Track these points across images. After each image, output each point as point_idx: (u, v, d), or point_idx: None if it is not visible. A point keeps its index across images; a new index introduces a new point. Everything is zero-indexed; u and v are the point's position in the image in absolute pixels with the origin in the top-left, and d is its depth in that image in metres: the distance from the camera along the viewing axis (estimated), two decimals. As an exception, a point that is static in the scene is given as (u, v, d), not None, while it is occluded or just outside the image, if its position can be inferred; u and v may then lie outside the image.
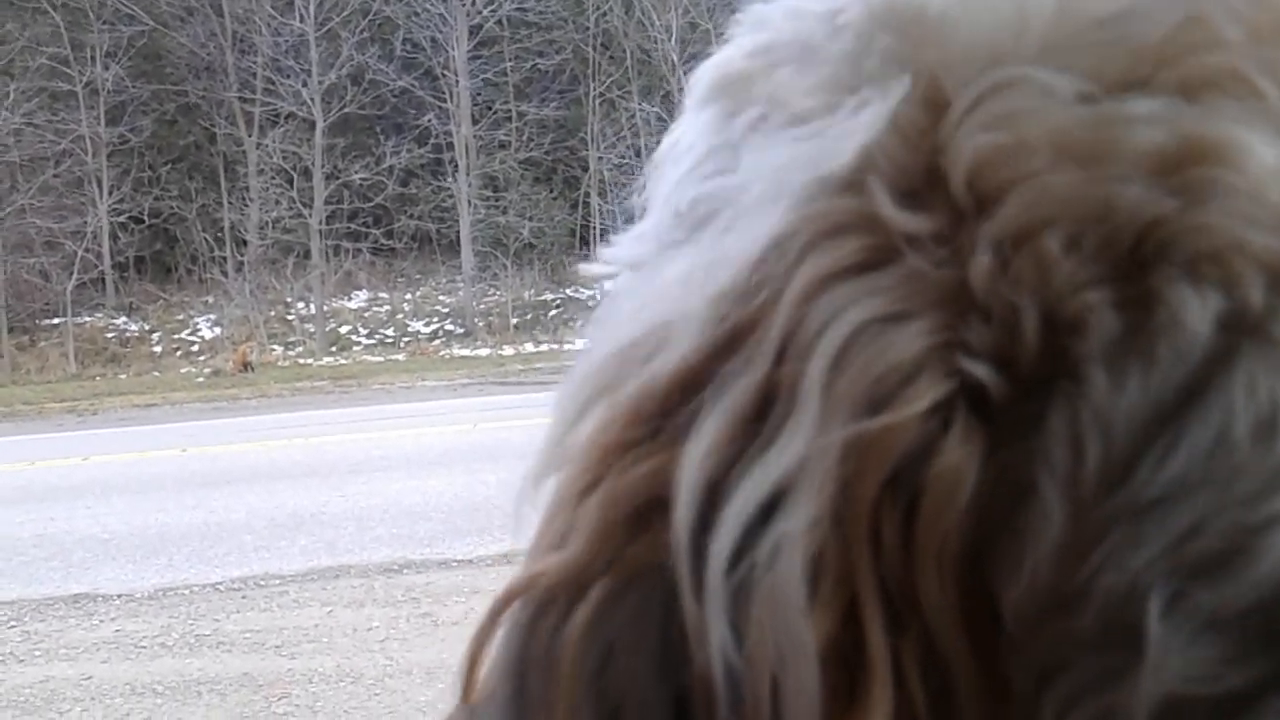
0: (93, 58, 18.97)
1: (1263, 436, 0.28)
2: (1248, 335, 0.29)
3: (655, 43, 21.67)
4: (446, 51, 21.52)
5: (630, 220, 0.46)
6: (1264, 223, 0.30)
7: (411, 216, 22.25)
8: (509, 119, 22.54)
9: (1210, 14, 0.32)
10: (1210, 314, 0.29)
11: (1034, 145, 0.32)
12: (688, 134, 0.42)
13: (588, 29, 22.14)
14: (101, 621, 4.63)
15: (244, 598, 4.85)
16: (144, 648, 4.30)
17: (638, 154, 20.48)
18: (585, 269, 0.45)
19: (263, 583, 5.04)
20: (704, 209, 0.38)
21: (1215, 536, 0.29)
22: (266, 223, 21.15)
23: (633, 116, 21.03)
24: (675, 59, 20.26)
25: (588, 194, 21.71)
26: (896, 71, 0.35)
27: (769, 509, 0.31)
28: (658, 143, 0.52)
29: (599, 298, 0.43)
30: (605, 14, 22.20)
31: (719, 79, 0.41)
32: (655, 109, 20.66)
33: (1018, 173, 0.32)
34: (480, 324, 20.89)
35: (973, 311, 0.31)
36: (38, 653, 4.29)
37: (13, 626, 4.58)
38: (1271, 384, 0.29)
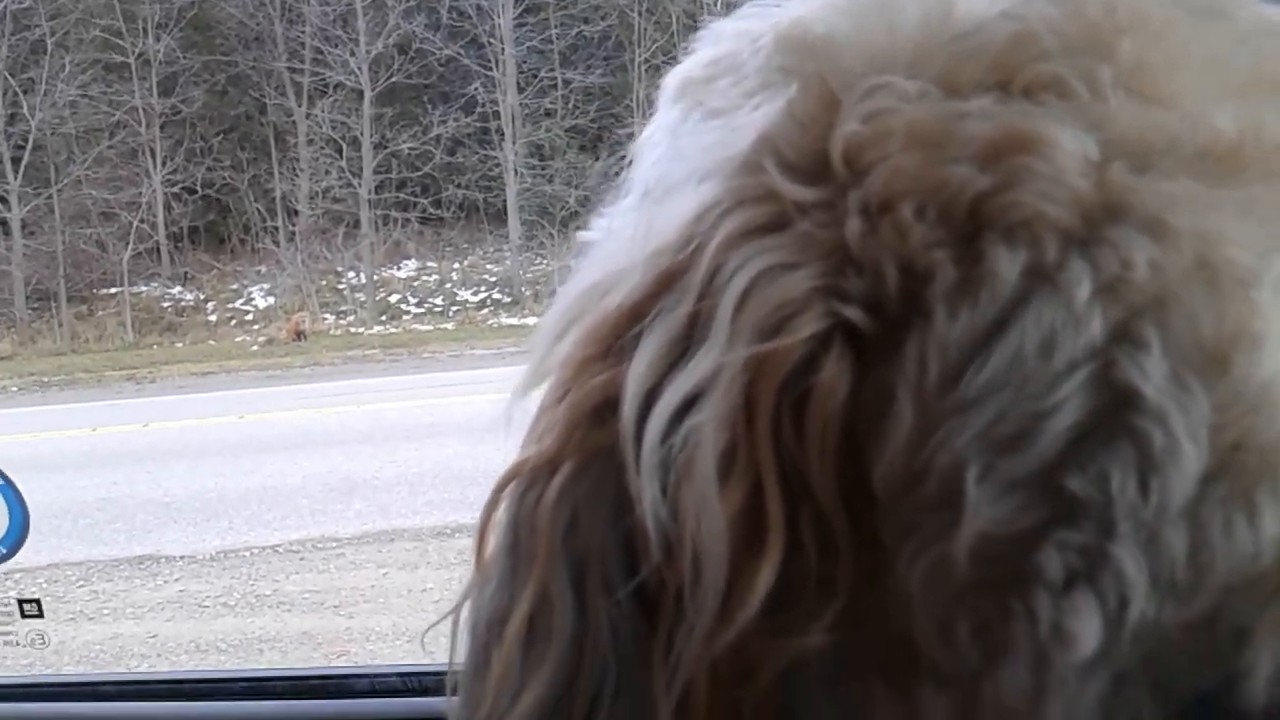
0: (144, 29, 19.12)
1: (1045, 353, 0.38)
2: (1041, 281, 0.39)
3: (701, 7, 21.42)
4: (492, 19, 21.40)
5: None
6: (1060, 199, 0.39)
7: (459, 186, 22.18)
8: (554, 86, 22.38)
9: (1035, 29, 0.42)
10: (1017, 266, 0.39)
11: (892, 134, 0.42)
12: (657, 129, 0.53)
13: (633, -6, 21.93)
14: (166, 582, 4.76)
15: (302, 559, 4.95)
16: (207, 607, 4.42)
17: (684, 120, 20.23)
18: (577, 236, 0.55)
19: (320, 545, 5.14)
20: (651, 185, 0.50)
21: (1012, 423, 0.38)
22: (317, 193, 21.23)
23: (679, 82, 20.84)
24: (722, 23, 20.04)
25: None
26: (784, 80, 0.46)
27: (686, 406, 0.41)
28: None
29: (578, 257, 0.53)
30: (651, -21, 22.01)
31: (680, 85, 0.52)
32: (702, 75, 20.43)
33: (879, 155, 0.41)
34: (528, 293, 20.84)
35: (848, 265, 0.41)
36: (106, 611, 4.43)
37: (81, 586, 4.72)
38: (1053, 315, 0.38)
